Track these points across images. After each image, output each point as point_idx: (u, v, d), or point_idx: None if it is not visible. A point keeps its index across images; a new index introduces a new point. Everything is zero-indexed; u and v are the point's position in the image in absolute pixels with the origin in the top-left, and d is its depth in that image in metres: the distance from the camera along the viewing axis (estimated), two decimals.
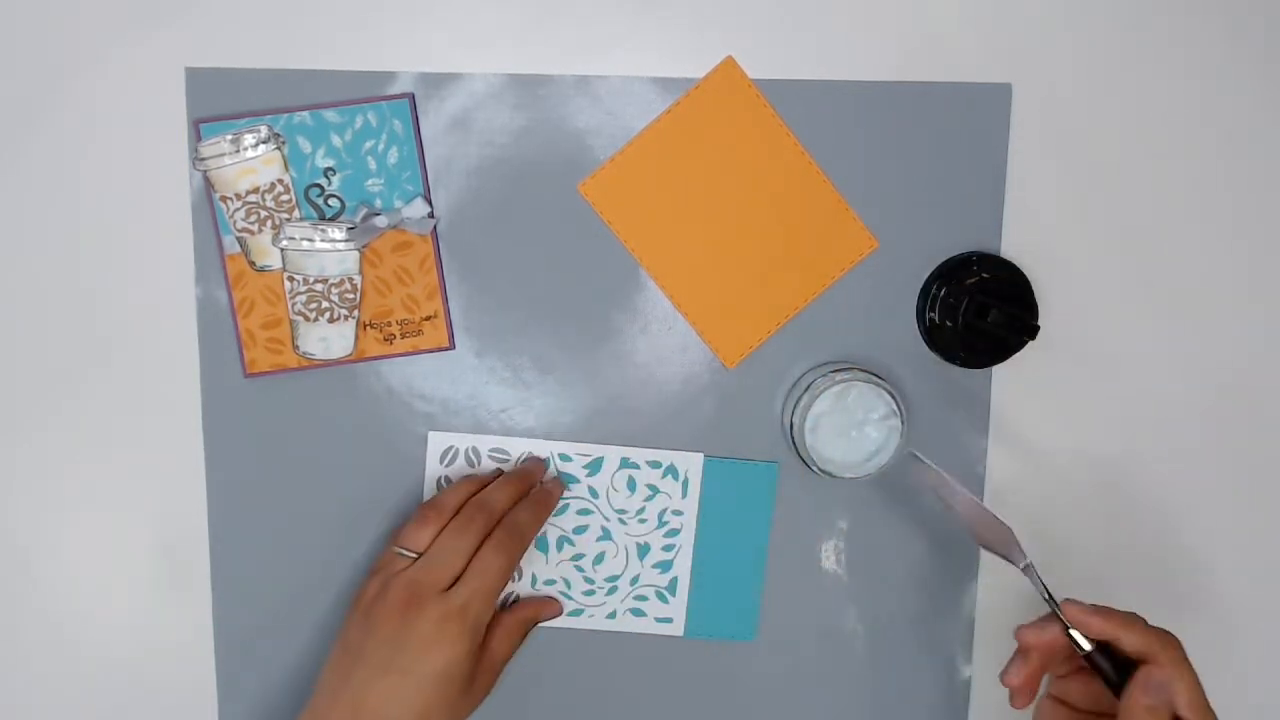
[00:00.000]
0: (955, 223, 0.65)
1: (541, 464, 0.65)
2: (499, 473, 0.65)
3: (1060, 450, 0.67)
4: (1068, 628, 0.54)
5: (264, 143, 0.62)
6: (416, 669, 0.55)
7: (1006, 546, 0.57)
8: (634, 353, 0.65)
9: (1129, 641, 0.54)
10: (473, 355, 0.65)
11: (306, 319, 0.64)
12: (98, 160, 0.63)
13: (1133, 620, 0.54)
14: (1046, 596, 0.56)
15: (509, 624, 0.62)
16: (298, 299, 0.64)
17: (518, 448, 0.65)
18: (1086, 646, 0.54)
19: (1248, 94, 0.65)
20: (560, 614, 0.66)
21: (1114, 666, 0.54)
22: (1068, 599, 0.55)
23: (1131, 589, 0.68)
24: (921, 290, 0.65)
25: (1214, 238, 0.66)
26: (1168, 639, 0.54)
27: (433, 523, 0.60)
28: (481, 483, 0.63)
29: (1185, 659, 0.53)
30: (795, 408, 0.63)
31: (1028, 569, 0.57)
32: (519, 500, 0.62)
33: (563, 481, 0.65)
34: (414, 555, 0.59)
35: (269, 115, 0.62)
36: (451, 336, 0.65)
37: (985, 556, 0.67)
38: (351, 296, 0.64)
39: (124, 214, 0.64)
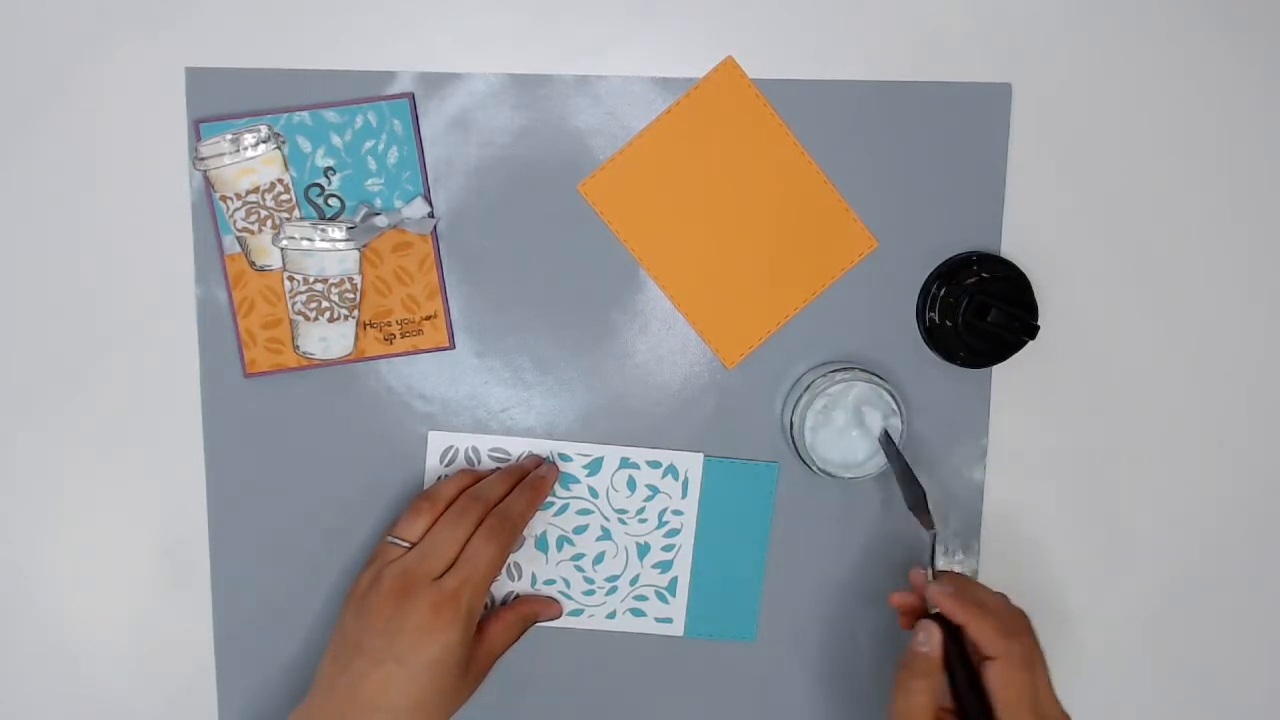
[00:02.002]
0: (955, 223, 0.65)
1: (539, 460, 0.65)
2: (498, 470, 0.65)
3: (1060, 450, 0.67)
4: (927, 579, 0.58)
5: (264, 142, 0.62)
6: (411, 657, 0.56)
7: (920, 509, 0.60)
8: (634, 353, 0.65)
9: (974, 631, 0.56)
10: (473, 355, 0.65)
11: (306, 319, 0.64)
12: (98, 160, 0.63)
13: (984, 615, 0.56)
14: (930, 567, 0.59)
15: (508, 618, 0.63)
16: (298, 299, 0.64)
17: (518, 448, 0.65)
18: (933, 611, 0.58)
19: (1248, 94, 0.65)
20: (560, 616, 0.66)
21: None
22: (945, 573, 0.59)
23: (1131, 587, 0.68)
24: (921, 290, 0.65)
25: (1214, 238, 0.66)
26: (1008, 639, 0.55)
27: (426, 513, 0.60)
28: (477, 476, 0.63)
29: (1017, 658, 0.55)
30: (795, 408, 0.63)
31: (934, 538, 0.60)
32: None
33: (558, 468, 0.65)
34: (408, 545, 0.60)
35: (269, 115, 0.62)
36: (451, 336, 0.65)
37: (985, 556, 0.67)
38: (351, 296, 0.64)
39: (124, 214, 0.64)
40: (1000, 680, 0.55)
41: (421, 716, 0.56)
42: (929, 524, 0.60)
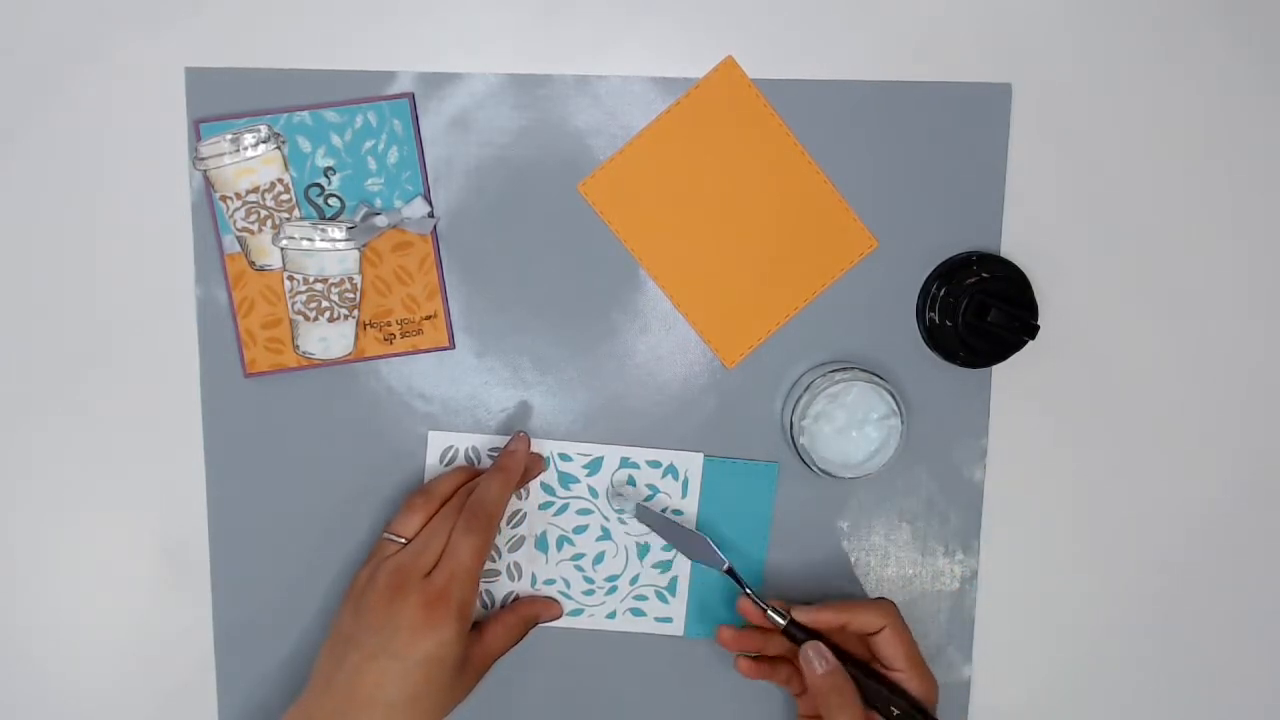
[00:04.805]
0: (955, 223, 0.65)
1: (525, 440, 0.64)
2: None
3: (1059, 450, 0.67)
4: (766, 611, 0.61)
5: (264, 142, 0.62)
6: (406, 653, 0.56)
7: (706, 554, 0.62)
8: (634, 353, 0.65)
9: (856, 622, 0.60)
10: (473, 355, 0.65)
11: (306, 318, 0.64)
12: (98, 160, 0.63)
13: (851, 604, 0.61)
14: (749, 593, 0.61)
15: (508, 620, 0.63)
16: (298, 298, 0.64)
17: None
18: (781, 623, 0.61)
19: (1248, 94, 0.65)
20: (561, 616, 0.66)
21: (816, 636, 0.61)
22: (796, 605, 0.61)
23: (1131, 587, 0.68)
24: (921, 290, 0.65)
25: (1214, 238, 0.66)
26: (885, 609, 0.60)
27: (420, 509, 0.61)
28: (473, 472, 0.63)
29: (900, 622, 0.60)
30: (795, 408, 0.63)
31: (729, 570, 0.62)
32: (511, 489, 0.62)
33: (528, 438, 0.64)
34: (404, 541, 0.60)
35: (269, 115, 0.62)
36: (451, 336, 0.65)
37: (985, 556, 0.67)
38: (351, 296, 0.64)
39: (124, 214, 0.64)
40: (896, 641, 0.60)
41: (418, 711, 0.56)
42: (719, 561, 0.62)
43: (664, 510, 0.66)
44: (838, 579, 0.67)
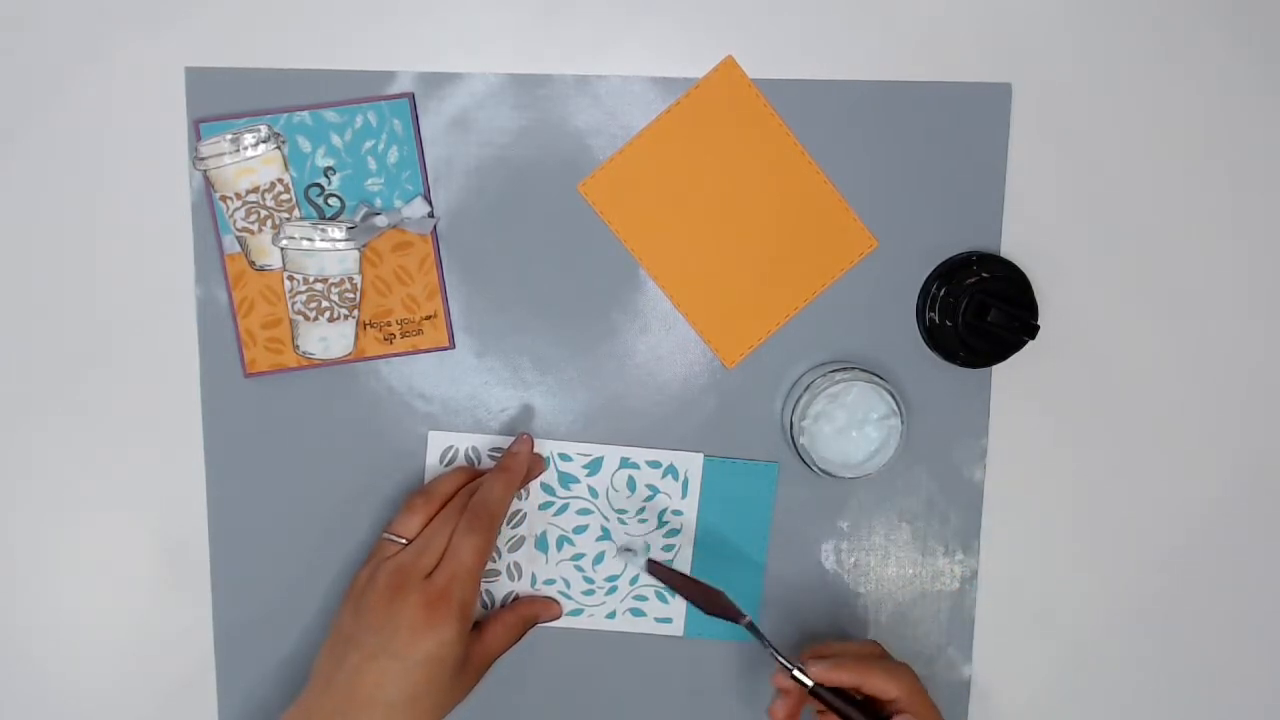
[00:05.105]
0: (955, 223, 0.65)
1: (529, 441, 0.64)
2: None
3: (1060, 450, 0.67)
4: (791, 672, 0.58)
5: (264, 142, 0.62)
6: (406, 653, 0.56)
7: (725, 608, 0.60)
8: (634, 353, 0.65)
9: (870, 685, 0.57)
10: (473, 355, 0.65)
11: (306, 318, 0.64)
12: (98, 160, 0.63)
13: (868, 666, 0.58)
14: (771, 649, 0.59)
15: (508, 620, 0.63)
16: (298, 298, 0.64)
17: None
18: (809, 684, 0.58)
19: (1248, 94, 0.65)
20: (560, 616, 0.66)
21: (844, 699, 0.58)
22: (810, 658, 0.58)
23: (1131, 587, 0.68)
24: (921, 290, 0.65)
25: (1214, 238, 0.66)
26: (901, 675, 0.58)
27: (420, 510, 0.61)
28: (473, 473, 0.63)
29: (918, 689, 0.58)
30: (795, 408, 0.63)
31: (749, 625, 0.60)
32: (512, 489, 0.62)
33: (531, 439, 0.64)
34: (404, 541, 0.60)
35: (269, 115, 0.62)
36: (451, 336, 0.65)
37: (985, 556, 0.67)
38: (351, 296, 0.64)
39: (124, 214, 0.64)
40: (914, 715, 0.57)
41: (418, 711, 0.56)
42: (738, 615, 0.60)
43: (664, 510, 0.66)
44: (838, 579, 0.67)
